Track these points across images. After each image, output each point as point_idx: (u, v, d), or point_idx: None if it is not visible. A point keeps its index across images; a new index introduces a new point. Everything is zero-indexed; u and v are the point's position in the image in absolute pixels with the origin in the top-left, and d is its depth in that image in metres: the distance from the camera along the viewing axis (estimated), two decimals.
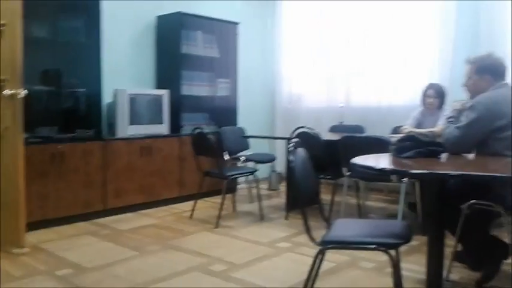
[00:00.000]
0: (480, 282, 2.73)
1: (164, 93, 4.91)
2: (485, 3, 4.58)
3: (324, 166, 4.04)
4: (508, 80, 2.71)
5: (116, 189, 4.46)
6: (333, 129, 5.55)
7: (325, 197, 4.66)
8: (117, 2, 4.83)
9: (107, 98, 4.58)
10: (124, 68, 5.00)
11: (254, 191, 4.80)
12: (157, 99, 4.87)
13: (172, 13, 5.09)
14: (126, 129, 4.57)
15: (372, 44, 5.50)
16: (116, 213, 4.46)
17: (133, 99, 4.64)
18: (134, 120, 4.65)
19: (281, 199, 5.18)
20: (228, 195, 4.72)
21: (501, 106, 2.49)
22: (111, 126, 4.63)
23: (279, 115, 6.49)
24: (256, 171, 4.64)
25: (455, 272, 2.93)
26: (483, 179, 2.06)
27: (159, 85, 5.24)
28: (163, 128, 4.90)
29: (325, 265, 2.96)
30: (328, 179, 4.50)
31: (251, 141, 5.54)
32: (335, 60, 5.86)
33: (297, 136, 4.20)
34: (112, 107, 4.61)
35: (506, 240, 2.66)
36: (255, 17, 6.36)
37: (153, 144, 4.75)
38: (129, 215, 4.52)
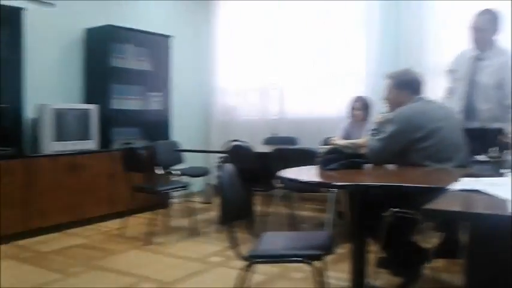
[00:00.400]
0: (402, 287, 2.82)
1: (92, 107, 4.74)
2: (406, 18, 4.83)
3: (256, 178, 4.05)
4: (424, 93, 2.86)
5: (40, 209, 4.22)
6: (268, 141, 5.60)
7: (260, 208, 4.67)
8: (42, 14, 4.62)
9: (31, 113, 4.35)
10: (50, 82, 4.77)
11: (189, 205, 4.73)
12: (85, 114, 4.69)
13: (102, 26, 4.96)
14: (50, 145, 4.35)
15: (303, 57, 5.63)
16: (39, 234, 4.21)
17: (59, 114, 4.44)
18: (60, 136, 4.44)
19: (216, 212, 5.14)
20: (162, 211, 4.61)
21: (419, 119, 2.62)
22: (35, 143, 4.40)
23: (214, 127, 6.47)
24: (188, 185, 4.57)
25: (380, 278, 3.01)
26: (400, 189, 2.14)
27: (88, 99, 5.05)
28: (92, 144, 4.72)
29: (256, 277, 2.97)
30: (261, 191, 4.53)
31: (186, 154, 5.47)
32: (268, 72, 5.94)
33: (230, 149, 4.19)
34: (35, 122, 4.38)
35: (427, 245, 2.77)
36: (188, 30, 6.33)
37: (81, 160, 4.56)
38: (53, 235, 4.28)
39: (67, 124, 4.56)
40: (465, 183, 1.80)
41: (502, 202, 1.45)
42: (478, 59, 3.31)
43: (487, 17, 3.25)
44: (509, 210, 1.32)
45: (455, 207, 1.46)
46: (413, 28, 4.63)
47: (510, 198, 1.46)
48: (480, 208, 1.50)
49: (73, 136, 4.60)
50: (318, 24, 5.51)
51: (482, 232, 1.34)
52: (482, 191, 1.61)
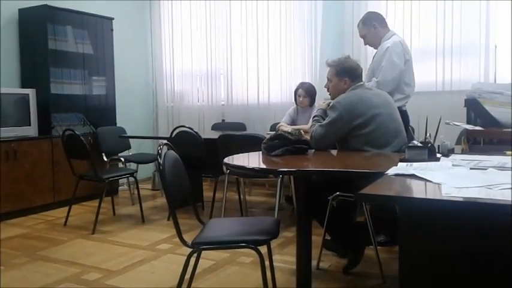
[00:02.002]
0: (347, 268, 2.94)
1: (30, 92, 4.54)
2: (350, 3, 4.93)
3: (204, 164, 4.05)
4: (363, 80, 2.95)
5: None
6: (215, 127, 5.60)
7: (210, 194, 4.68)
8: None
9: None
10: None
11: (136, 192, 4.65)
12: (23, 99, 4.49)
13: (37, 6, 4.72)
14: None
15: (250, 42, 5.63)
16: None
17: None
18: None
19: (164, 199, 5.03)
20: (108, 199, 4.52)
21: (358, 106, 2.70)
22: None
23: (161, 114, 6.38)
24: (135, 172, 4.50)
25: (326, 260, 3.12)
26: (342, 174, 2.21)
27: (25, 84, 4.83)
28: (31, 130, 4.54)
29: (205, 263, 3.01)
30: (210, 177, 4.54)
31: (134, 141, 5.37)
32: (215, 58, 5.90)
33: (176, 135, 4.16)
34: None
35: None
36: (132, 13, 6.16)
37: (19, 147, 4.37)
38: None
39: (3, 109, 4.35)
40: (401, 168, 1.90)
41: (433, 186, 1.54)
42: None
43: (360, 26, 3.76)
44: (440, 195, 1.40)
45: (387, 192, 1.53)
46: (357, 16, 4.73)
47: (441, 182, 1.55)
48: (412, 192, 1.58)
49: (10, 122, 4.40)
50: (265, 9, 5.51)
51: (411, 216, 1.41)
52: (417, 175, 1.70)
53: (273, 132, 2.86)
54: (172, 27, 6.19)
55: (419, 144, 2.18)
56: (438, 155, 2.19)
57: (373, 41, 3.75)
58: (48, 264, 3.19)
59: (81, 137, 3.99)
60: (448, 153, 2.26)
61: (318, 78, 5.05)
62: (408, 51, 3.67)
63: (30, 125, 4.53)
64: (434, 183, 1.57)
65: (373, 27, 3.69)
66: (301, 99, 4.38)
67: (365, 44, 3.87)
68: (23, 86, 4.81)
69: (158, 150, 2.14)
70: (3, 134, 4.29)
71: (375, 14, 3.80)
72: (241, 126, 5.46)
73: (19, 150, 4.36)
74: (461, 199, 1.34)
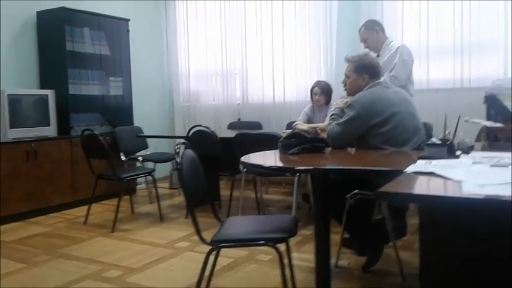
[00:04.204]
0: (366, 266, 2.93)
1: (49, 93, 4.61)
2: (364, 4, 4.91)
3: (221, 163, 4.07)
4: (381, 79, 2.93)
5: (0, 198, 4.11)
6: (231, 126, 5.62)
7: (227, 192, 4.70)
8: None
9: None
10: (2, 67, 4.60)
11: (154, 191, 4.70)
12: (42, 100, 4.57)
13: (54, 8, 4.79)
14: (6, 132, 4.22)
15: (265, 41, 5.64)
16: (1, 224, 4.11)
17: (13, 101, 4.31)
18: (16, 122, 4.32)
19: (182, 198, 5.14)
20: (126, 197, 4.57)
21: (377, 104, 2.67)
22: None
23: (177, 113, 6.42)
24: (153, 171, 4.55)
25: (344, 258, 3.11)
26: (358, 172, 2.21)
27: (44, 85, 4.91)
28: (51, 130, 4.61)
29: (224, 261, 3.02)
30: (227, 175, 4.57)
31: (152, 140, 5.43)
32: (231, 57, 5.92)
33: (193, 135, 4.19)
34: None
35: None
36: (148, 14, 6.21)
37: (40, 147, 4.45)
38: (15, 224, 4.20)
39: (23, 110, 4.44)
40: (420, 165, 1.88)
41: (454, 184, 1.53)
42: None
43: (362, 30, 3.99)
44: (461, 192, 1.39)
45: (407, 190, 1.52)
46: (372, 15, 4.71)
47: (462, 179, 1.54)
48: (432, 190, 1.57)
49: (30, 123, 4.48)
50: (280, 7, 5.51)
51: (432, 214, 1.41)
52: (436, 173, 1.69)
53: (289, 131, 2.86)
54: (187, 27, 6.23)
55: (439, 142, 2.16)
56: (458, 153, 2.17)
57: (374, 46, 3.97)
58: (69, 262, 3.25)
59: (99, 137, 4.04)
60: (467, 150, 2.23)
61: (334, 76, 5.03)
62: (411, 53, 3.92)
63: (49, 126, 4.60)
64: (455, 181, 1.56)
65: (375, 32, 3.94)
66: (317, 97, 4.37)
67: (365, 48, 4.03)
68: (42, 87, 4.89)
69: (176, 150, 2.17)
70: (24, 135, 4.37)
71: (377, 21, 4.09)
72: (257, 125, 5.47)
73: (39, 150, 4.44)
74: (482, 197, 1.33)
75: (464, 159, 2.05)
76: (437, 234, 1.38)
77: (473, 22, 4.43)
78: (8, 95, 4.26)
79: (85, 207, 4.32)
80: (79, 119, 4.97)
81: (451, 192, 1.50)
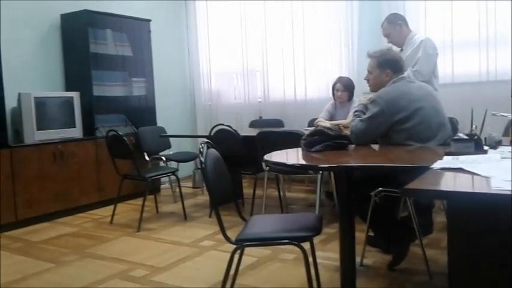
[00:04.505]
0: (392, 264, 2.89)
1: (74, 95, 4.69)
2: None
3: (244, 161, 4.08)
4: (404, 73, 2.89)
5: (27, 199, 4.22)
6: (253, 124, 5.62)
7: (249, 191, 4.71)
8: (15, 1, 4.51)
9: (11, 103, 4.30)
10: (29, 70, 4.70)
11: (178, 190, 4.74)
12: (68, 102, 4.65)
13: (78, 11, 4.87)
14: (33, 134, 4.32)
15: (286, 38, 5.62)
16: (29, 224, 4.21)
17: (40, 103, 4.40)
18: (43, 124, 4.41)
19: (205, 197, 5.17)
20: (151, 197, 4.62)
21: (400, 100, 2.63)
22: (18, 133, 4.36)
23: (199, 112, 6.46)
24: (177, 170, 4.59)
25: (369, 257, 3.08)
26: (384, 169, 2.18)
27: (69, 87, 4.99)
28: (76, 132, 4.69)
29: (247, 260, 3.02)
30: (249, 174, 4.57)
31: (174, 140, 5.47)
32: (251, 55, 5.92)
33: (215, 134, 4.20)
34: (17, 112, 4.34)
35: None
36: (169, 14, 6.25)
37: (66, 148, 4.53)
38: (43, 225, 4.29)
39: (49, 112, 4.52)
40: (447, 161, 1.85)
41: (482, 180, 1.50)
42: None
43: (385, 25, 3.92)
44: (490, 188, 1.36)
45: (434, 186, 1.50)
46: (394, 8, 4.64)
47: (490, 175, 1.50)
48: (460, 186, 1.54)
49: (56, 124, 4.56)
50: (300, 4, 5.48)
51: (461, 211, 1.38)
52: (464, 169, 1.65)
53: (311, 128, 2.84)
54: (208, 27, 6.25)
55: (465, 137, 2.11)
56: (485, 148, 2.13)
57: (397, 40, 3.89)
58: (97, 261, 3.30)
59: (124, 138, 4.09)
60: (495, 145, 2.19)
61: (356, 72, 4.98)
62: (436, 46, 3.84)
63: (75, 127, 4.68)
64: (483, 176, 1.53)
65: (398, 26, 3.86)
66: (339, 93, 4.33)
67: (388, 43, 3.95)
68: (67, 89, 4.98)
69: (200, 149, 2.17)
70: (50, 136, 4.46)
71: (399, 14, 4.01)
72: (279, 123, 5.46)
73: (65, 152, 4.52)
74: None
75: (492, 154, 2.01)
76: (466, 232, 1.35)
77: (498, 13, 4.32)
78: (34, 97, 4.34)
79: (111, 207, 4.38)
80: (103, 120, 5.05)
81: (479, 188, 1.47)
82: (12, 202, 4.11)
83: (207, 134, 4.35)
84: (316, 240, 2.50)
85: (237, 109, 6.07)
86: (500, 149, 2.13)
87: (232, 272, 2.20)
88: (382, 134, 2.69)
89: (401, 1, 4.77)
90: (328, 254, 3.18)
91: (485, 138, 2.22)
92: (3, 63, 4.11)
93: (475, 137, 2.10)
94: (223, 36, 6.13)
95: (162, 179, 5.41)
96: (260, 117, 5.83)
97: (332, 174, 4.03)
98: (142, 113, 5.50)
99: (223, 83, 6.24)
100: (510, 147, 2.14)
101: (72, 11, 4.90)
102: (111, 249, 3.54)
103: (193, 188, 5.81)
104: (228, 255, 2.14)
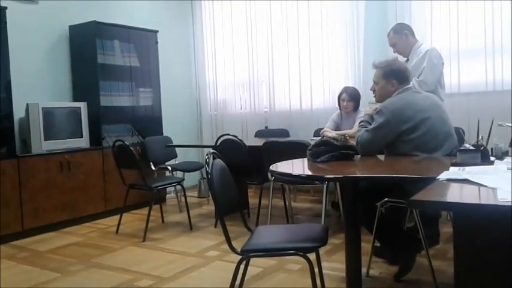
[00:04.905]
0: (398, 275, 2.87)
1: (82, 105, 4.73)
2: (392, 3, 4.86)
3: (249, 172, 4.08)
4: (410, 84, 2.89)
5: (34, 208, 4.24)
6: (258, 134, 5.63)
7: (255, 201, 4.70)
8: (24, 13, 4.58)
9: (19, 113, 4.34)
10: (37, 80, 4.74)
11: (183, 200, 4.75)
12: (75, 112, 4.69)
13: (86, 22, 4.92)
14: (41, 144, 4.35)
15: (291, 48, 5.64)
16: (35, 234, 4.23)
17: (47, 113, 4.43)
18: (50, 135, 4.44)
19: (211, 206, 5.16)
20: (156, 207, 4.63)
21: (406, 111, 2.63)
22: (25, 143, 4.40)
23: (205, 122, 6.48)
24: (183, 180, 4.59)
25: (376, 268, 3.06)
26: (391, 180, 2.18)
27: (76, 97, 5.03)
28: (83, 142, 4.72)
29: (253, 270, 3.02)
30: (255, 184, 4.57)
31: (180, 150, 5.49)
32: (257, 66, 5.95)
33: (221, 143, 4.21)
34: (25, 122, 4.38)
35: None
36: (175, 25, 6.30)
37: (73, 158, 4.56)
38: (49, 234, 4.30)
39: (57, 123, 4.56)
40: (453, 172, 1.84)
41: (488, 191, 1.49)
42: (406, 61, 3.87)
43: (391, 34, 3.92)
44: (496, 200, 1.35)
45: (441, 198, 1.49)
46: (400, 19, 4.66)
47: (497, 186, 1.50)
48: (466, 198, 1.53)
49: (64, 135, 4.59)
50: (306, 14, 5.50)
51: (467, 222, 1.37)
52: (471, 180, 1.65)
53: (317, 138, 2.85)
54: (214, 38, 6.29)
55: (472, 148, 2.11)
56: (492, 158, 2.12)
57: (403, 50, 3.91)
58: (102, 271, 3.30)
59: (130, 148, 4.11)
60: (502, 156, 2.18)
61: (362, 82, 4.99)
62: (441, 56, 3.85)
63: (82, 137, 4.71)
64: (489, 187, 1.52)
65: (404, 36, 3.87)
66: (345, 103, 4.33)
67: (394, 52, 3.97)
68: (75, 100, 5.02)
69: (206, 159, 2.18)
70: (58, 146, 4.49)
71: (405, 24, 4.03)
72: (285, 133, 5.47)
73: (72, 162, 4.55)
74: None
75: (499, 165, 2.00)
76: (472, 243, 1.35)
77: (505, 22, 4.32)
78: (42, 108, 4.38)
79: (117, 217, 4.39)
80: (110, 130, 5.08)
81: (486, 199, 1.46)
82: (19, 212, 4.13)
83: (213, 144, 4.36)
84: (322, 250, 2.49)
85: (243, 119, 6.09)
86: (507, 159, 2.13)
87: (237, 282, 2.19)
88: (388, 144, 2.69)
89: (408, 11, 4.79)
90: (334, 265, 3.16)
91: (492, 149, 2.21)
92: (12, 73, 4.15)
93: (482, 148, 2.10)
94: (229, 47, 6.16)
95: (168, 189, 5.41)
96: (266, 127, 5.85)
97: (338, 184, 4.03)
98: (148, 123, 5.53)
99: (229, 92, 6.26)
100: None
101: (81, 22, 4.96)
102: (116, 259, 3.55)
103: (198, 197, 5.81)
104: (234, 266, 2.13)
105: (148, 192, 4.25)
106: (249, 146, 4.13)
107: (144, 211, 4.56)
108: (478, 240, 1.34)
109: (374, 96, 2.92)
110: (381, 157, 2.73)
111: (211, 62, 6.34)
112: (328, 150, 2.51)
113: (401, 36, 3.87)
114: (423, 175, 1.97)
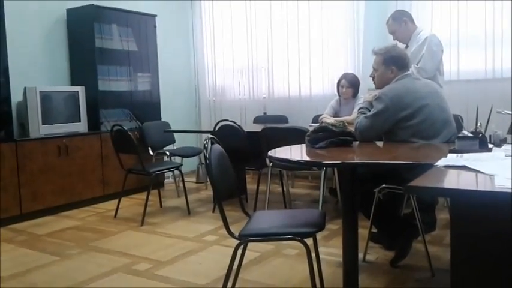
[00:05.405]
0: (394, 261, 2.90)
1: (79, 89, 4.71)
2: None
3: (248, 157, 4.09)
4: (409, 71, 2.88)
5: (32, 192, 4.25)
6: (257, 120, 5.63)
7: (253, 186, 4.71)
8: None
9: (17, 97, 4.32)
10: (34, 64, 4.72)
11: (181, 185, 4.77)
12: (73, 96, 4.67)
13: (84, 6, 4.88)
14: (39, 128, 4.34)
15: (291, 34, 5.61)
16: (34, 217, 4.25)
17: (45, 97, 4.42)
18: (48, 119, 4.43)
19: (209, 192, 5.18)
20: (155, 191, 4.64)
21: (405, 97, 2.63)
22: (23, 127, 4.39)
23: (204, 108, 6.47)
24: (181, 165, 4.60)
25: (372, 253, 3.09)
26: (388, 166, 2.18)
27: (74, 81, 5.01)
28: (81, 126, 4.71)
29: (250, 255, 3.04)
30: (253, 169, 4.58)
31: (179, 135, 5.48)
32: (256, 51, 5.92)
33: (220, 129, 4.21)
34: (22, 106, 4.36)
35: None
36: (174, 9, 6.25)
37: (71, 143, 4.56)
38: (48, 218, 4.32)
39: (55, 107, 4.54)
40: (451, 159, 1.85)
41: (486, 178, 1.50)
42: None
43: (390, 21, 3.92)
44: (493, 186, 1.36)
45: (438, 184, 1.50)
46: (399, 2, 4.63)
47: (494, 173, 1.50)
48: (463, 184, 1.54)
49: (61, 119, 4.58)
50: (305, 1, 5.46)
51: (464, 208, 1.38)
52: (468, 167, 1.65)
53: (316, 125, 2.84)
54: (213, 23, 6.25)
55: (470, 135, 2.11)
56: (490, 146, 2.13)
57: (403, 37, 3.89)
58: (101, 254, 3.32)
59: (128, 132, 4.11)
60: (500, 143, 2.19)
61: (361, 68, 4.97)
62: (441, 43, 3.84)
63: (80, 121, 4.70)
64: (487, 174, 1.53)
65: (403, 23, 3.86)
66: (344, 90, 4.33)
67: (394, 39, 3.96)
68: (73, 84, 5.00)
69: (204, 144, 2.18)
70: (55, 130, 4.48)
71: (405, 11, 4.01)
72: (283, 119, 5.47)
73: (70, 146, 4.55)
74: None
75: (497, 152, 2.01)
76: (469, 229, 1.36)
77: (505, 10, 4.29)
78: (40, 92, 4.36)
79: (115, 201, 4.41)
80: (108, 114, 5.06)
81: (483, 186, 1.47)
82: (17, 195, 4.14)
83: (211, 129, 4.35)
84: (319, 236, 2.50)
85: (242, 105, 6.08)
86: (505, 147, 2.13)
87: (235, 266, 2.21)
88: (386, 131, 2.69)
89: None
90: (331, 250, 3.19)
91: (490, 136, 2.22)
92: (9, 57, 4.12)
93: (480, 135, 2.10)
94: (228, 32, 6.12)
95: (166, 174, 5.43)
96: (264, 113, 5.84)
97: (336, 170, 4.04)
98: (147, 108, 5.51)
99: (228, 78, 6.24)
100: None
101: (78, 5, 4.91)
102: (115, 243, 3.57)
103: (197, 183, 5.83)
104: (231, 250, 2.15)
105: (146, 177, 4.26)
106: (247, 132, 4.13)
107: (142, 196, 4.58)
108: (475, 226, 1.35)
109: (373, 83, 2.91)
110: (379, 143, 2.74)
111: (210, 48, 6.30)
112: (326, 137, 2.51)
113: (401, 23, 3.86)
114: (421, 161, 1.98)
